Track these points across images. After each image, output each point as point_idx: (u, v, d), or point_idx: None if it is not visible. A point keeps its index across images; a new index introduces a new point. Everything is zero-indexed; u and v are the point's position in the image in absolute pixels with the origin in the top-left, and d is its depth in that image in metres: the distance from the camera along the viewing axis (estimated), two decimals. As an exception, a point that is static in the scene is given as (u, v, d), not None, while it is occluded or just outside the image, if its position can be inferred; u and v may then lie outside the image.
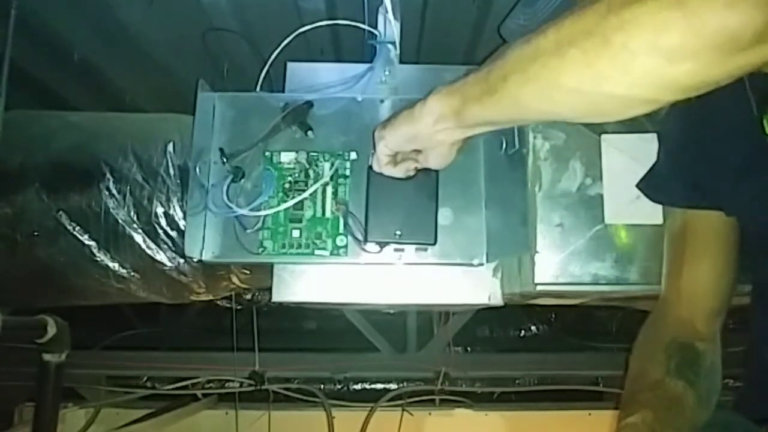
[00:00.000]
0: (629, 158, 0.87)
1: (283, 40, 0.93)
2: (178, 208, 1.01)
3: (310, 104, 0.89)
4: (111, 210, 1.00)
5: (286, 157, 0.87)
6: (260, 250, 0.85)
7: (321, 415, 1.74)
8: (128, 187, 1.01)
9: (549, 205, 0.89)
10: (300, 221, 0.86)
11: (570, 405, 1.85)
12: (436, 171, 0.82)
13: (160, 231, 1.01)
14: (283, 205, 0.85)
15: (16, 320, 0.96)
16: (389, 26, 0.93)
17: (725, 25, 0.40)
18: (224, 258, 0.86)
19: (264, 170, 0.87)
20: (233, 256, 0.86)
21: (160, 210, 1.01)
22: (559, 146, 0.90)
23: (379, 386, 1.95)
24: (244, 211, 0.84)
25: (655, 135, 0.85)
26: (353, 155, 0.87)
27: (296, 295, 0.91)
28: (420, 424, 1.80)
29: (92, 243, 1.00)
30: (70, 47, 1.18)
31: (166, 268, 1.03)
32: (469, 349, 2.12)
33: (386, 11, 0.91)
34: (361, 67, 0.94)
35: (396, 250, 0.85)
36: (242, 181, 0.86)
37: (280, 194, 0.86)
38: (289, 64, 0.96)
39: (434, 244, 0.83)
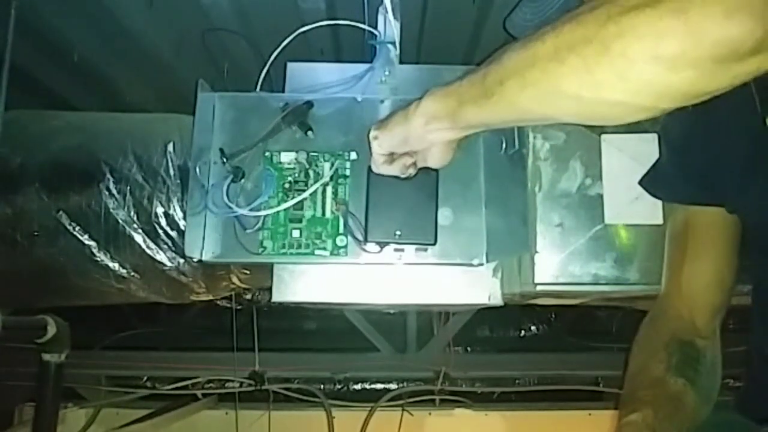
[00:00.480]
0: (629, 158, 0.87)
1: (283, 40, 0.93)
2: (178, 208, 1.01)
3: (310, 104, 0.89)
4: (111, 210, 1.00)
5: (286, 157, 0.87)
6: (260, 250, 0.85)
7: (321, 415, 1.74)
8: (128, 187, 1.01)
9: (549, 205, 0.89)
10: (300, 221, 0.86)
11: (570, 405, 1.85)
12: (436, 171, 0.82)
13: (160, 231, 1.01)
14: (283, 205, 0.85)
15: (16, 320, 0.96)
16: (389, 26, 0.93)
17: (725, 35, 0.40)
18: (224, 258, 0.86)
19: (264, 170, 0.87)
20: (233, 256, 0.86)
21: (160, 210, 1.01)
22: (559, 146, 0.90)
23: (379, 386, 1.95)
24: (244, 211, 0.84)
25: (655, 135, 0.85)
26: (353, 155, 0.87)
27: (296, 295, 0.91)
28: (420, 424, 1.80)
29: (92, 243, 1.00)
30: (70, 47, 1.19)
31: (166, 268, 1.03)
32: (469, 349, 2.12)
33: (386, 11, 0.91)
34: (361, 67, 0.94)
35: (396, 250, 0.85)
36: (242, 181, 0.86)
37: (280, 194, 0.86)
38: (289, 64, 0.96)
39: (434, 244, 0.83)
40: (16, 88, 0.94)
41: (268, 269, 0.92)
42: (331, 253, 0.85)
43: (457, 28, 1.22)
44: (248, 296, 1.87)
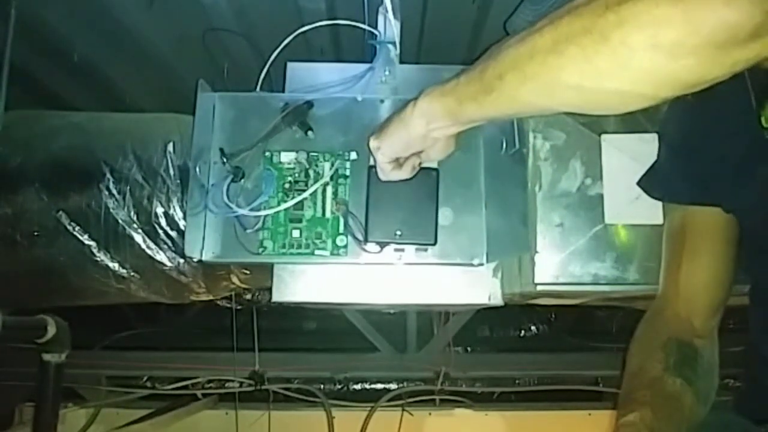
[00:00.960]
0: (629, 158, 0.87)
1: (283, 40, 0.93)
2: (178, 208, 1.01)
3: (310, 104, 0.89)
4: (111, 210, 1.00)
5: (286, 157, 0.87)
6: (260, 250, 0.85)
7: (321, 415, 1.74)
8: (128, 187, 1.01)
9: (549, 205, 0.89)
10: (300, 221, 0.86)
11: (570, 405, 1.84)
12: (436, 171, 0.82)
13: (160, 231, 1.01)
14: (283, 205, 0.85)
15: (16, 320, 0.96)
16: (389, 26, 0.93)
17: (723, 21, 0.40)
18: (224, 258, 0.86)
19: (264, 170, 0.87)
20: (233, 256, 0.86)
21: (160, 210, 1.01)
22: (559, 146, 0.90)
23: (379, 386, 1.95)
24: (244, 211, 0.84)
25: (655, 135, 0.85)
26: (353, 155, 0.87)
27: (296, 295, 0.91)
28: (420, 424, 1.80)
29: (92, 243, 1.00)
30: (70, 47, 1.18)
31: (166, 268, 1.03)
32: (469, 349, 2.12)
33: (386, 11, 0.91)
34: (361, 67, 0.94)
35: (396, 250, 0.85)
36: (242, 181, 0.86)
37: (280, 194, 0.86)
38: (289, 64, 0.96)
39: (434, 244, 0.83)
40: (16, 88, 0.94)
41: (268, 269, 0.92)
42: (331, 253, 0.85)
43: (457, 28, 1.22)
44: (248, 296, 1.87)
